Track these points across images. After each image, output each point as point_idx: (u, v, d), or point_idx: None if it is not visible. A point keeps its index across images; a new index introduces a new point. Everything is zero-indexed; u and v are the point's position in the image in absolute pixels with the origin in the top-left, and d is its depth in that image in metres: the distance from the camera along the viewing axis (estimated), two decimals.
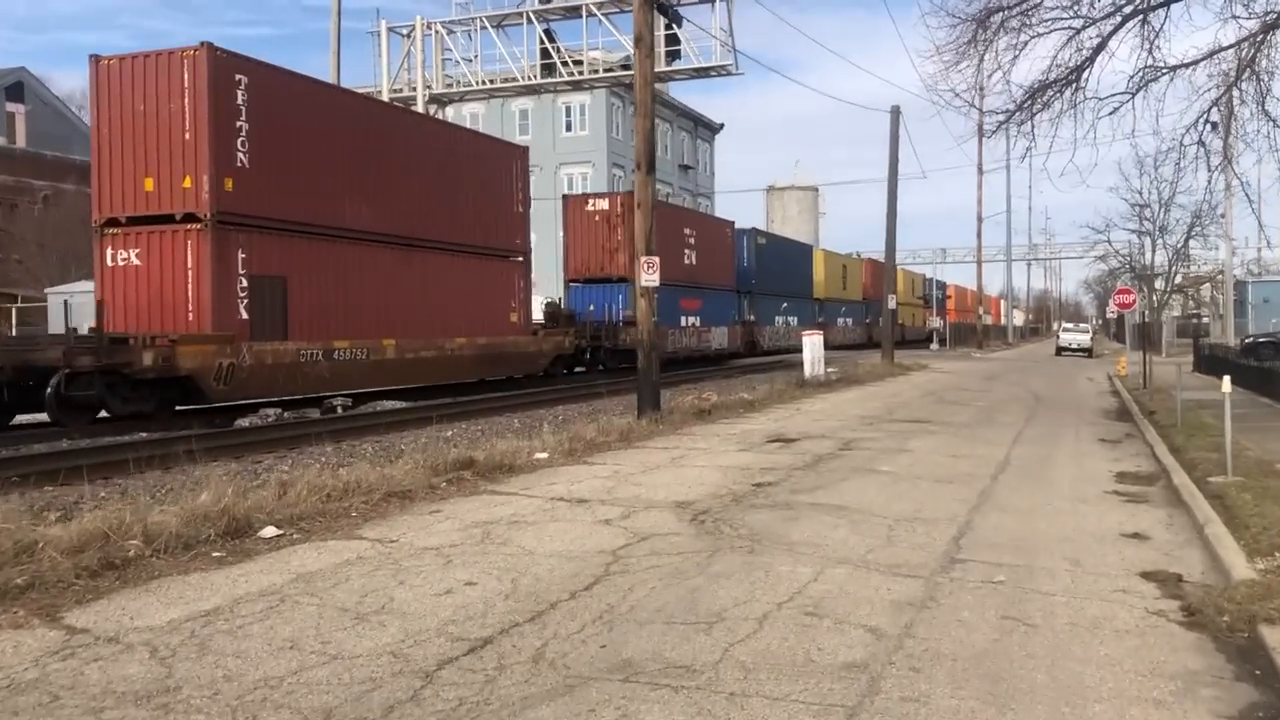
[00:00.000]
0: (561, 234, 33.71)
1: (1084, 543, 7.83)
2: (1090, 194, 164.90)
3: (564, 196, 34.74)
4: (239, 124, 16.75)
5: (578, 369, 30.66)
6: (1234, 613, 5.78)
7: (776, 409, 19.51)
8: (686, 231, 35.45)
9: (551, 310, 30.31)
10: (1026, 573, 6.78)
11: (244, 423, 17.21)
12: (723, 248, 39.33)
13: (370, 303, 20.06)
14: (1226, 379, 10.72)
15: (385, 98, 32.96)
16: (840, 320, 56.79)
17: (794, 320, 46.38)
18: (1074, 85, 13.92)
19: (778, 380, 25.71)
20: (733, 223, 42.61)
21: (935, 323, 63.86)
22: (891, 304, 35.91)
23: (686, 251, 34.91)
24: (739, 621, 5.52)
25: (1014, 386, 27.69)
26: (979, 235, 65.84)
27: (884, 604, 5.94)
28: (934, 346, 61.12)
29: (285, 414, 17.95)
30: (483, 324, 23.71)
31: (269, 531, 7.61)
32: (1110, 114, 13.90)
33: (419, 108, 32.62)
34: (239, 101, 16.76)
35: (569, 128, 63.56)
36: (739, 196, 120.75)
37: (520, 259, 25.69)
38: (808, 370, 28.43)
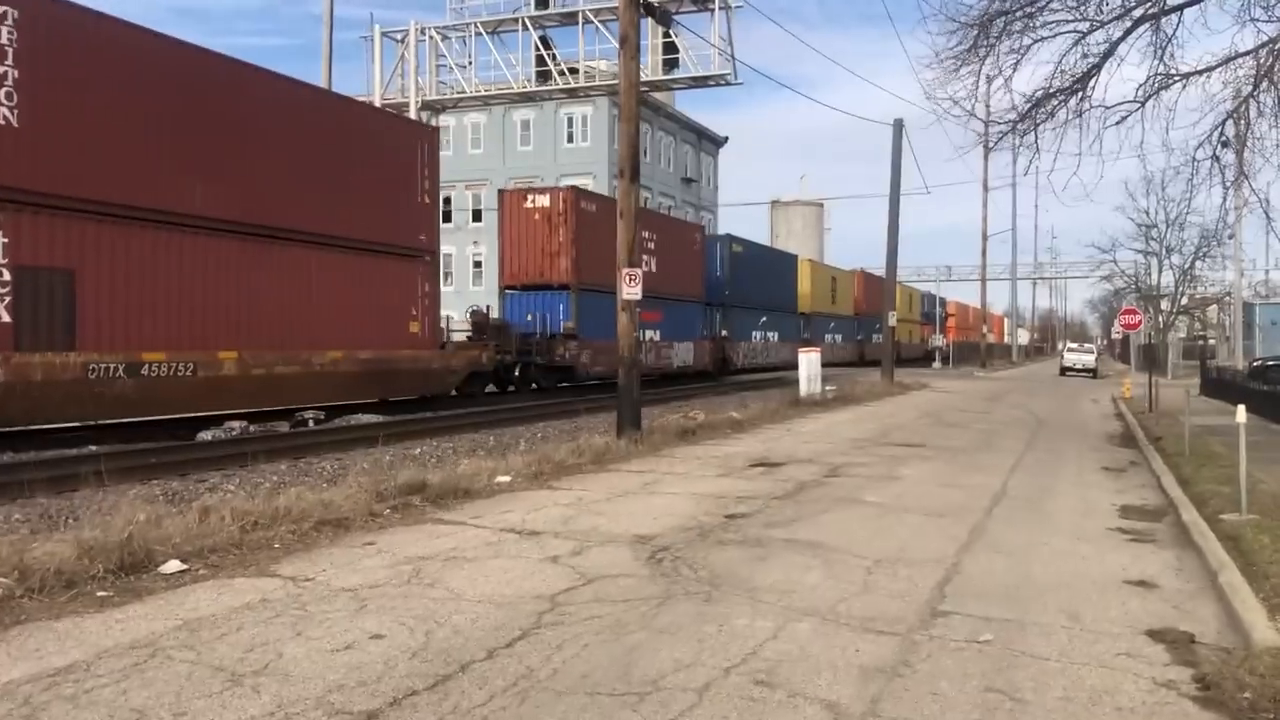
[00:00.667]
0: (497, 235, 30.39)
1: (1084, 591, 7.01)
2: (1096, 213, 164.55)
3: (500, 192, 30.54)
4: (3, 69, 13.45)
5: (509, 388, 27.35)
6: (1257, 688, 4.95)
7: (766, 429, 18.70)
8: (644, 235, 30.31)
9: (479, 320, 27.06)
10: (1018, 629, 5.96)
11: (206, 436, 16.45)
12: (689, 255, 35.62)
13: (208, 304, 16.67)
14: (1241, 409, 9.89)
15: (378, 102, 32.30)
16: (829, 336, 53.78)
17: (774, 335, 43.05)
18: (1079, 94, 13.15)
19: (771, 399, 24.91)
20: (702, 227, 41.04)
21: (938, 341, 62.95)
22: (891, 321, 35.10)
23: (645, 258, 30.15)
24: (675, 693, 4.70)
25: (1015, 408, 26.85)
26: (984, 253, 65.05)
27: (850, 670, 5.12)
28: (936, 365, 60.26)
29: (251, 427, 17.18)
30: (369, 335, 20.11)
31: (171, 566, 6.81)
32: (1117, 124, 13.14)
33: (411, 114, 31.94)
34: (3, 40, 13.42)
35: (570, 139, 62.97)
36: (743, 212, 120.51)
37: (426, 259, 22.22)
38: (803, 388, 27.62)
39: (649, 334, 30.55)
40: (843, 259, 62.21)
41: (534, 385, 27.78)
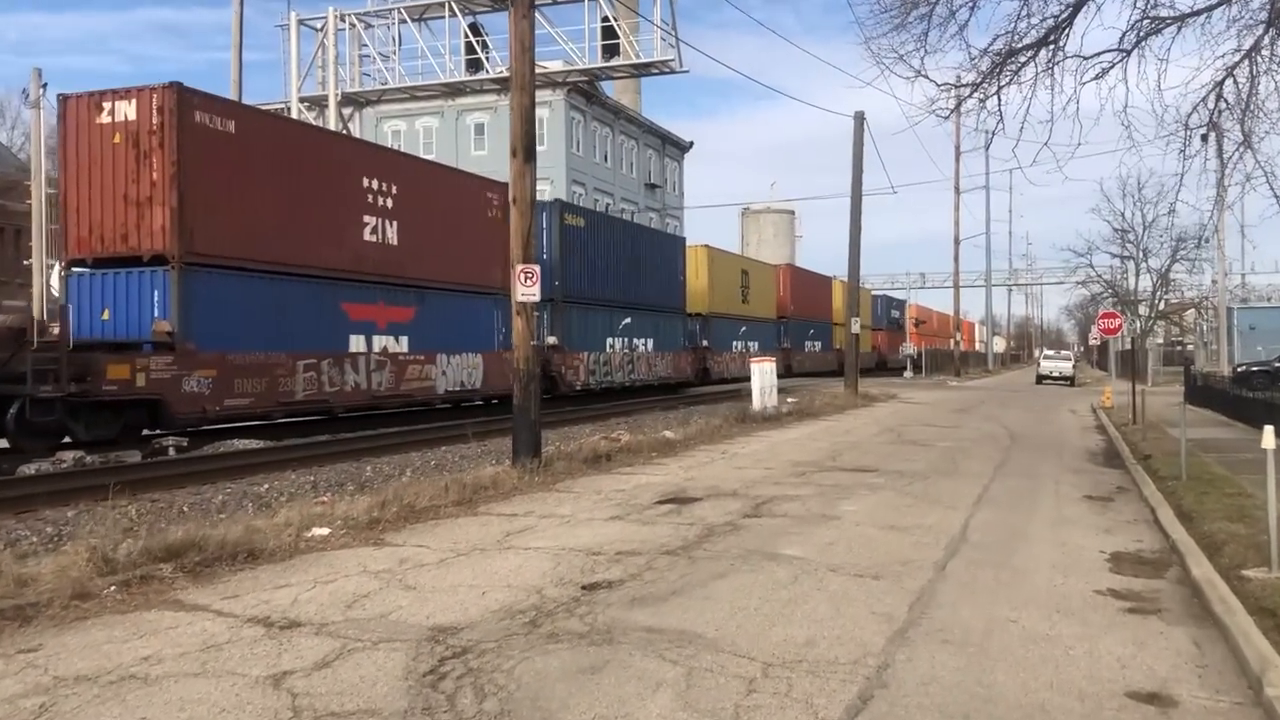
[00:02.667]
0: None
1: (1068, 715, 4.62)
2: (1071, 219, 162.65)
3: (61, 98, 17.14)
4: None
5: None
6: None
7: (700, 451, 16.27)
8: (374, 185, 20.38)
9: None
10: None
11: (29, 469, 13.83)
12: (475, 222, 23.60)
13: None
14: (1269, 431, 7.55)
15: (294, 98, 29.81)
16: (736, 344, 42.52)
17: (648, 344, 33.39)
18: (1052, 44, 10.84)
19: (719, 415, 22.50)
20: (505, 185, 32.75)
21: (909, 349, 60.67)
22: (855, 327, 32.79)
23: (372, 222, 20.31)
24: None
25: (988, 421, 24.55)
26: (956, 258, 63.09)
27: None
28: (907, 374, 58.06)
29: (88, 458, 14.57)
30: None
31: None
32: (1097, 78, 10.84)
33: (331, 109, 29.44)
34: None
35: None
36: (714, 219, 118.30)
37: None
38: (756, 402, 25.22)
39: (383, 340, 20.65)
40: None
41: (68, 438, 15.32)
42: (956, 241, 62.51)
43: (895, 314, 77.06)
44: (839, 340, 55.65)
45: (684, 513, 10.14)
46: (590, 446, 15.45)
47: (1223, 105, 11.65)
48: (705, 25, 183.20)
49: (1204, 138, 12.60)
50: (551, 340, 26.80)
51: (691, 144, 79.03)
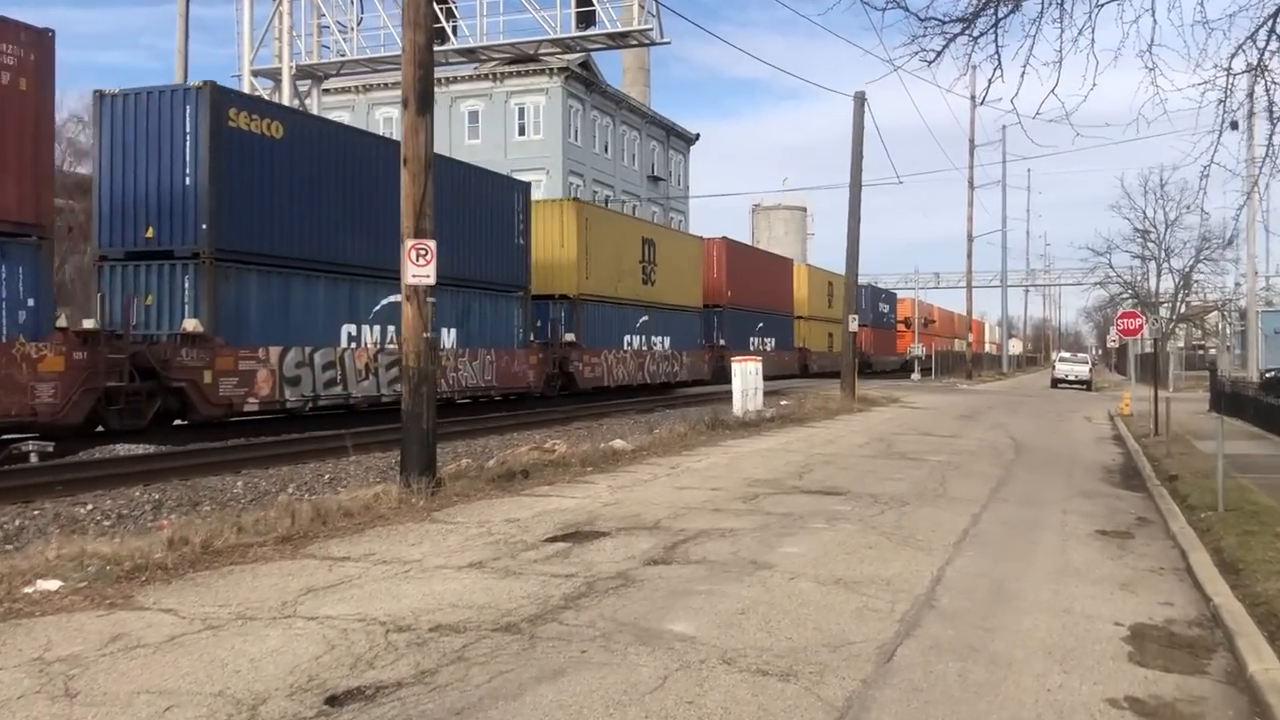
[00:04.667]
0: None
1: None
2: (1089, 221, 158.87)
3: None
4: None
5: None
6: None
7: (647, 465, 13.93)
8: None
9: None
10: None
11: None
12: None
13: None
14: None
15: (245, 71, 27.61)
16: (634, 340, 31.04)
17: (450, 335, 22.07)
18: None
19: (688, 421, 20.15)
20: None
21: (916, 350, 57.81)
22: (853, 325, 30.34)
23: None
24: None
25: (993, 430, 22.10)
26: (969, 255, 60.40)
27: None
28: (915, 376, 55.47)
29: None
30: None
31: None
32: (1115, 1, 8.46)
33: (284, 83, 27.23)
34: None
35: (522, 131, 58.31)
36: (724, 217, 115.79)
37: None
38: (737, 406, 22.87)
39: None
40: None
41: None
42: (970, 238, 59.87)
43: (884, 308, 66.08)
44: (802, 337, 48.78)
45: (572, 556, 7.81)
46: (515, 459, 13.16)
47: (1275, 45, 9.25)
48: (731, 24, 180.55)
49: (1249, 93, 10.20)
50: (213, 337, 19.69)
51: (698, 136, 76.71)
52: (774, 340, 43.67)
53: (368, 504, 9.82)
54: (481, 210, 23.30)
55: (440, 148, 53.30)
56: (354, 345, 19.27)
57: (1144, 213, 41.68)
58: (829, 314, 53.22)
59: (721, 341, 37.65)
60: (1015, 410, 29.82)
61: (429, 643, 5.44)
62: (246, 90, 26.86)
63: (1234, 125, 12.01)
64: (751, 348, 39.20)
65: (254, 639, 5.47)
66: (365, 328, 19.65)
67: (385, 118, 60.63)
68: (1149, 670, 5.48)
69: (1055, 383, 50.98)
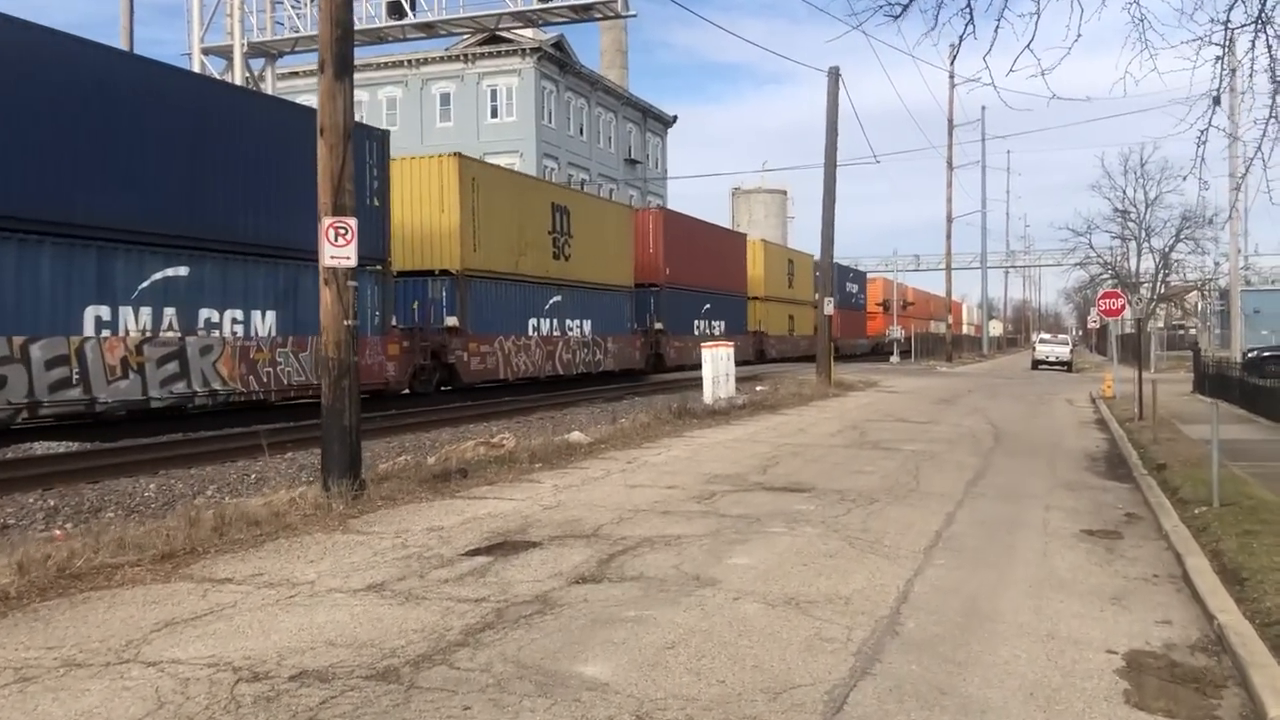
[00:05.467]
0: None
1: None
2: (1069, 203, 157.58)
3: None
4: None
5: None
6: None
7: (602, 460, 12.99)
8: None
9: None
10: None
11: None
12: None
13: None
14: None
15: (195, 49, 26.39)
16: (539, 323, 26.43)
17: (314, 313, 13.20)
18: None
19: (653, 409, 19.21)
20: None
21: (895, 332, 56.98)
22: (828, 308, 29.44)
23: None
24: None
25: (972, 415, 21.26)
26: (948, 236, 59.67)
27: None
28: (894, 359, 54.71)
29: None
30: None
31: None
32: None
33: (236, 60, 26.02)
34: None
35: (494, 113, 57.02)
36: (704, 200, 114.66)
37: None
38: (708, 394, 21.95)
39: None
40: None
41: None
42: (949, 219, 59.10)
43: (853, 288, 61.89)
44: (758, 320, 44.75)
45: (490, 574, 6.85)
46: (459, 456, 12.18)
47: None
48: (714, 7, 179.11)
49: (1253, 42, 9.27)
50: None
51: (675, 118, 75.48)
52: (723, 323, 38.97)
53: (279, 510, 8.85)
54: (313, 162, 19.24)
55: (411, 130, 51.46)
56: (105, 334, 14.63)
57: (1124, 192, 41.03)
58: (789, 295, 50.21)
59: (658, 325, 33.66)
60: (995, 394, 29.03)
61: (281, 697, 4.48)
62: (196, 68, 25.68)
63: (1216, 101, 11.25)
64: (696, 331, 35.90)
65: (69, 696, 4.50)
66: (125, 311, 14.96)
67: (355, 101, 59.05)
68: (1149, 716, 4.58)
69: (1036, 364, 50.40)
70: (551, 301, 27.16)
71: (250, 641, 5.32)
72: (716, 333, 36.94)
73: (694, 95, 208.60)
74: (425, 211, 22.66)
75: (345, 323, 9.76)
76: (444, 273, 22.82)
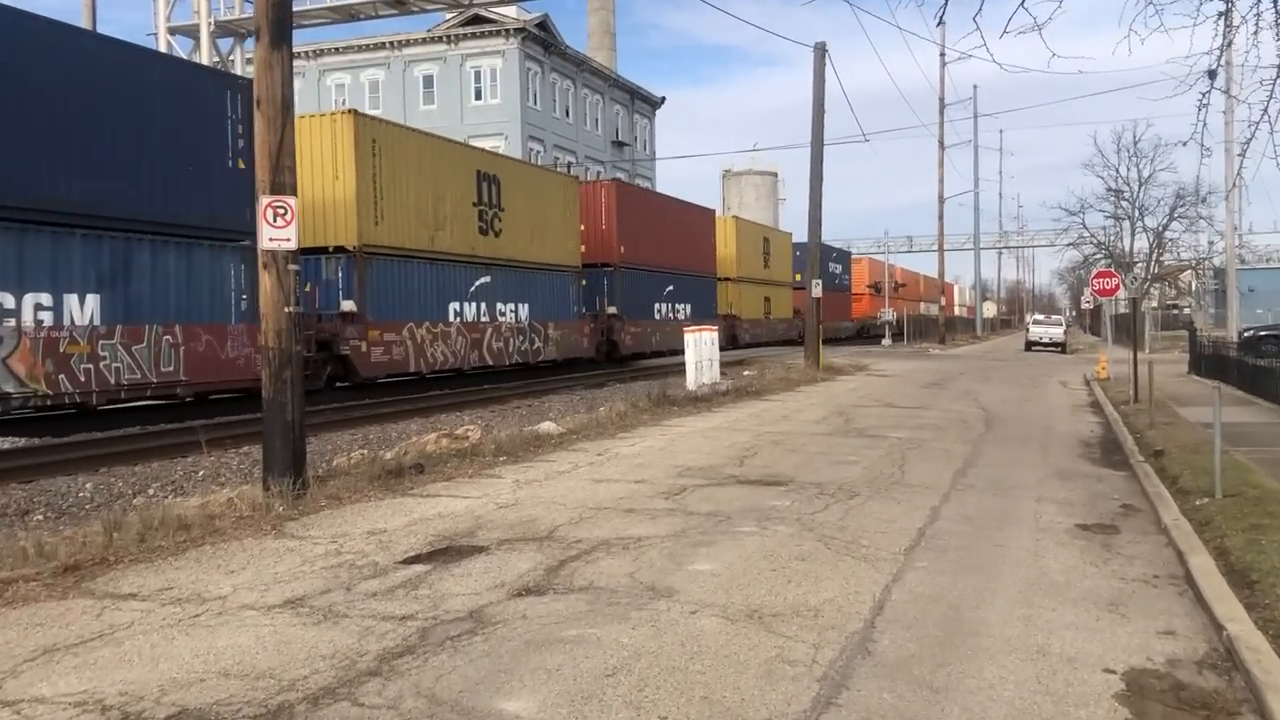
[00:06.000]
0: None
1: None
2: (1064, 181, 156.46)
3: None
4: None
5: None
6: None
7: (571, 452, 12.35)
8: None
9: None
10: None
11: None
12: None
13: None
14: None
15: (161, 28, 25.57)
16: (462, 307, 23.24)
17: (155, 297, 15.25)
18: None
19: (632, 397, 18.57)
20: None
21: (887, 315, 56.29)
22: (816, 291, 28.79)
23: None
24: None
25: (962, 399, 20.66)
26: (940, 217, 58.99)
27: None
28: (886, 342, 54.12)
29: None
30: None
31: None
32: None
33: (203, 41, 25.22)
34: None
35: (478, 95, 56.14)
36: (694, 184, 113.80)
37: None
38: (690, 380, 21.33)
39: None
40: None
41: None
42: (940, 199, 58.44)
43: (836, 269, 57.69)
44: (729, 303, 41.44)
45: (425, 585, 6.22)
46: (419, 449, 11.53)
47: None
48: None
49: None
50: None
51: (663, 99, 74.63)
52: (689, 307, 35.33)
53: (215, 513, 8.21)
54: (150, 111, 14.99)
55: (394, 113, 50.17)
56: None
57: (1117, 171, 40.47)
58: (765, 275, 47.02)
59: (612, 309, 29.73)
60: (988, 376, 28.45)
61: None
62: (163, 49, 24.87)
63: (1211, 75, 10.63)
64: (657, 316, 32.75)
65: None
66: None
67: (337, 84, 58.29)
68: None
69: (1029, 345, 49.89)
70: (478, 283, 23.60)
71: (134, 672, 4.69)
72: (681, 316, 34.00)
73: (686, 78, 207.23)
74: (319, 179, 19.53)
75: (287, 309, 9.08)
76: (339, 250, 19.73)
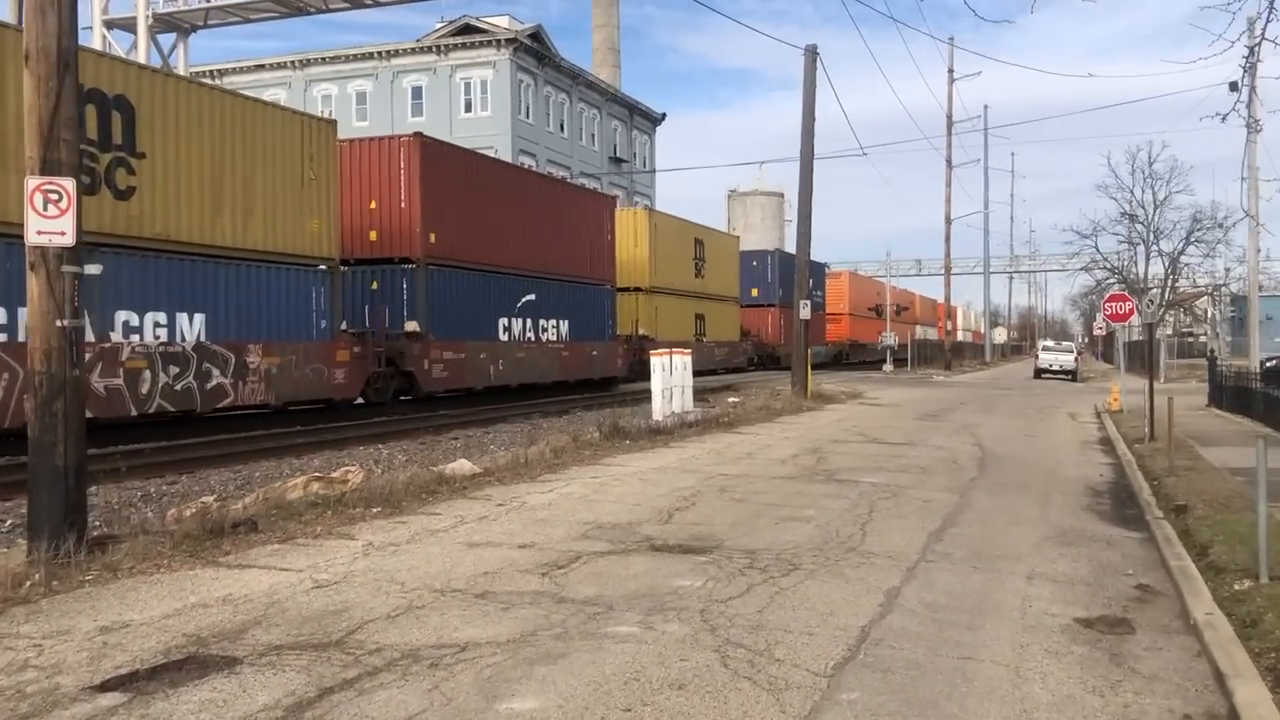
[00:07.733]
0: None
1: None
2: (1077, 205, 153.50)
3: None
4: None
5: None
6: None
7: (467, 501, 10.23)
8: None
9: None
10: None
11: None
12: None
13: None
14: None
15: (96, 21, 23.78)
16: (139, 320, 14.14)
17: None
18: None
19: (582, 428, 16.48)
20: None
21: (889, 339, 53.89)
22: (804, 312, 26.66)
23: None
24: None
25: (958, 434, 18.49)
26: (947, 238, 56.86)
27: None
28: (887, 368, 51.86)
29: None
30: None
31: None
32: None
33: (141, 35, 23.41)
34: None
35: (468, 107, 54.45)
36: (701, 205, 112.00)
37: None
38: (657, 410, 19.22)
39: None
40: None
41: None
42: (947, 220, 56.31)
43: (811, 289, 45.05)
44: (635, 320, 32.09)
45: None
46: (276, 497, 9.46)
47: None
48: (729, 13, 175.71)
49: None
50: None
51: (664, 115, 72.91)
52: (567, 324, 26.62)
53: None
54: None
55: (381, 125, 48.35)
56: None
57: (1131, 193, 38.38)
58: (697, 288, 36.89)
59: (413, 326, 20.38)
60: (990, 407, 26.25)
61: None
62: (98, 46, 23.08)
63: (1233, 87, 8.92)
64: (502, 336, 23.57)
65: None
66: None
67: (324, 95, 56.65)
68: None
69: (1039, 373, 47.72)
70: (131, 284, 14.28)
71: None
72: (552, 336, 25.87)
73: (702, 100, 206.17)
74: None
75: (59, 323, 7.04)
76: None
